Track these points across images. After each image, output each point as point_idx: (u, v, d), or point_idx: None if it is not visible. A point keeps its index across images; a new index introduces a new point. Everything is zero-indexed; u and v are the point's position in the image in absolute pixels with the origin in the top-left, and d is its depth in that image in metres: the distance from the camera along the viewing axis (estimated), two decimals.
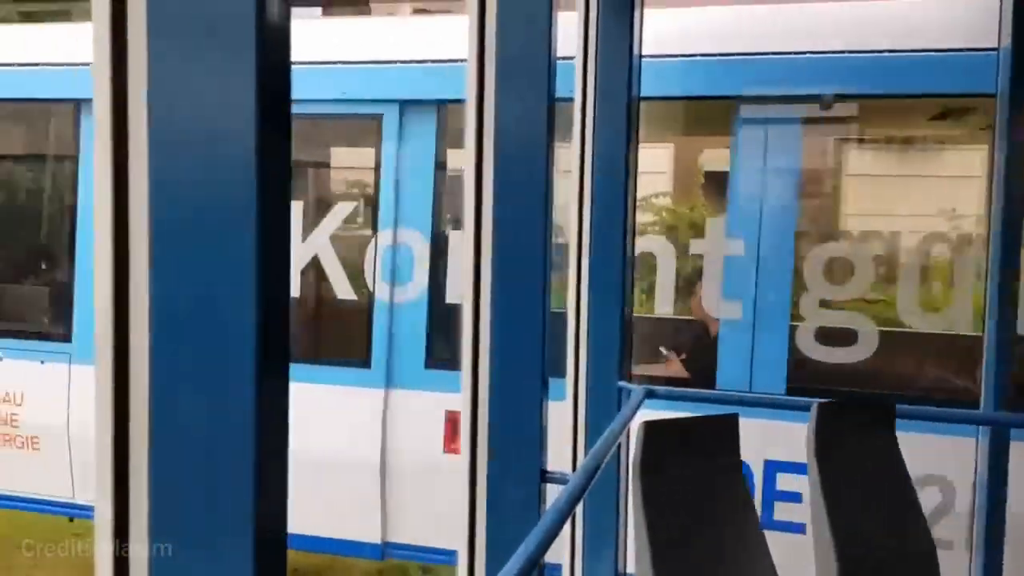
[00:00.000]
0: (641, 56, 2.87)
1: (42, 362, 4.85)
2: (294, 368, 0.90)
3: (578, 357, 2.57)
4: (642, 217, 4.32)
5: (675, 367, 4.19)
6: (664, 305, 4.09)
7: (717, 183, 4.33)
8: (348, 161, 5.03)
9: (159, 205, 0.83)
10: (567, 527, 1.66)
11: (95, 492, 0.85)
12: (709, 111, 4.30)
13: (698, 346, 4.14)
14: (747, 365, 3.79)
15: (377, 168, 4.30)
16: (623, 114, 2.72)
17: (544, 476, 1.78)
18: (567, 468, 2.38)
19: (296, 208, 4.21)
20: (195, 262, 0.84)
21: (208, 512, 0.86)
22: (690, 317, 4.25)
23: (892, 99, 3.79)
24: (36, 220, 5.01)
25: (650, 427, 1.65)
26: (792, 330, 3.78)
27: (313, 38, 4.28)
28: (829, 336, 3.74)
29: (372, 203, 4.36)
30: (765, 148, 3.85)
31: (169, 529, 0.85)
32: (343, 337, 4.58)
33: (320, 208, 4.49)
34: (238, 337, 0.84)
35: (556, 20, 1.87)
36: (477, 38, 1.72)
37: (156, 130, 0.83)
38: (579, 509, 2.23)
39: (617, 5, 2.72)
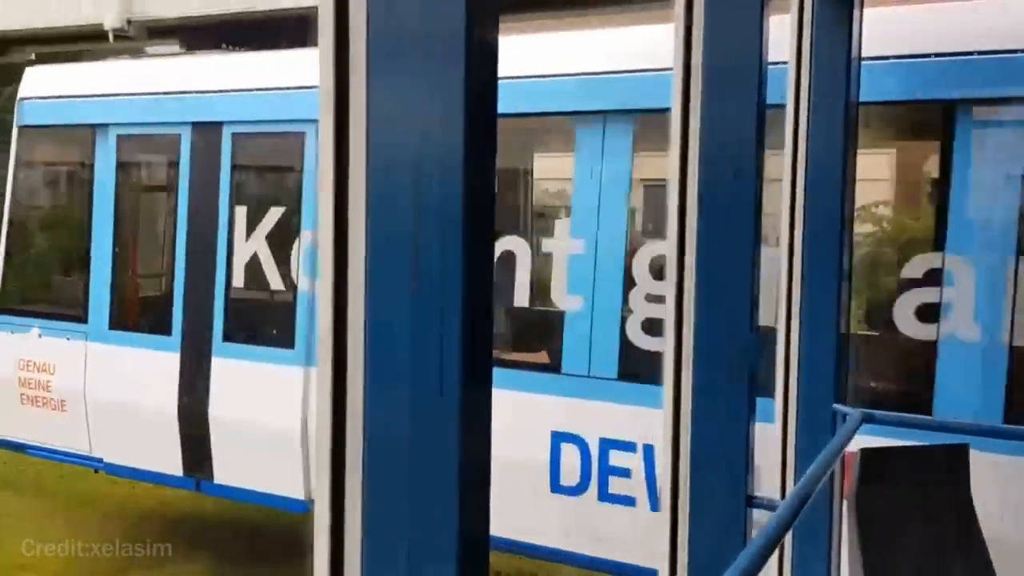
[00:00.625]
0: (860, 58, 2.71)
1: (68, 339, 5.79)
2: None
3: (788, 376, 2.42)
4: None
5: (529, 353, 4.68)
6: (522, 299, 4.56)
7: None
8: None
9: (376, 215, 0.87)
10: (774, 556, 1.57)
11: (316, 493, 0.90)
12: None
13: (547, 333, 4.58)
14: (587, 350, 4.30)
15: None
16: (840, 120, 2.56)
17: (750, 501, 1.69)
18: (774, 494, 2.26)
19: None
20: (406, 270, 0.87)
21: (415, 514, 0.89)
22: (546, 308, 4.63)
23: None
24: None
25: (870, 455, 1.53)
26: (623, 320, 4.24)
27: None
28: (652, 326, 4.15)
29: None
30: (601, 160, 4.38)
31: (380, 529, 0.88)
32: (273, 326, 5.31)
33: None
34: (445, 343, 0.86)
35: (767, 24, 1.79)
36: (683, 45, 1.67)
37: (375, 143, 0.86)
38: (787, 538, 2.11)
39: (834, 5, 2.57)
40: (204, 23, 6.31)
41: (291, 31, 5.96)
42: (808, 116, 2.49)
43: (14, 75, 6.43)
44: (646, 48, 4.18)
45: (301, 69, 4.83)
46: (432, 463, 0.91)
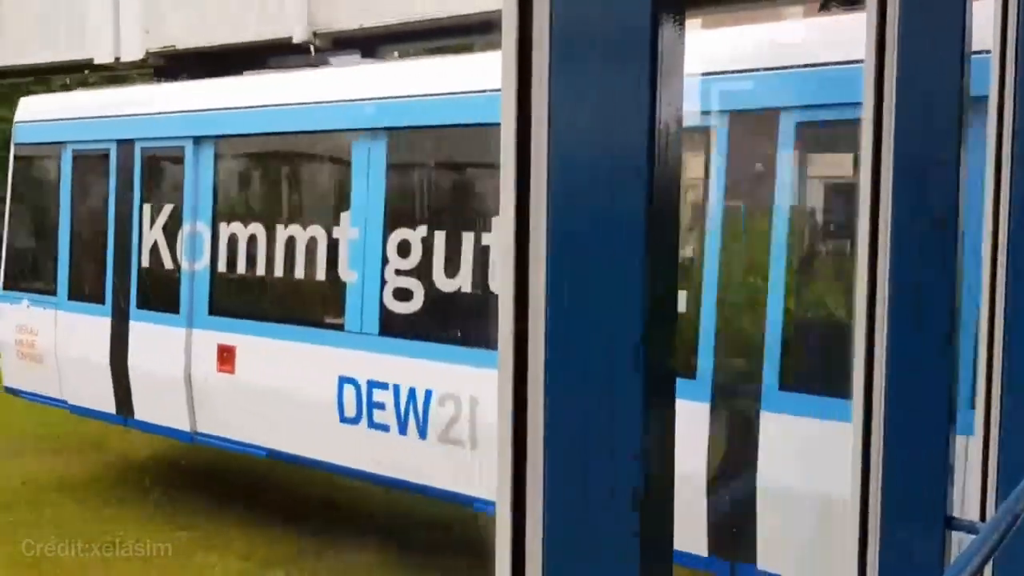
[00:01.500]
0: None
1: (48, 310, 7.44)
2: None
3: (990, 385, 2.23)
4: None
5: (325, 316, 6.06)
6: (320, 274, 5.92)
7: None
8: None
9: (558, 219, 0.87)
10: None
11: (496, 496, 0.91)
12: None
13: (336, 299, 5.90)
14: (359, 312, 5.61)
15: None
16: None
17: (950, 523, 1.57)
18: (974, 515, 2.09)
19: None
20: (588, 275, 0.87)
21: (596, 521, 0.88)
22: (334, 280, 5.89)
23: None
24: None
25: None
26: (381, 290, 5.51)
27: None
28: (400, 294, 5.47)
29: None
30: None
31: (561, 535, 0.89)
32: (167, 297, 6.67)
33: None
34: (626, 349, 0.85)
35: (970, 9, 1.66)
36: (876, 37, 1.58)
37: (556, 146, 0.87)
38: (988, 568, 1.95)
39: None
40: (386, 32, 6.60)
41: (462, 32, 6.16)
42: (1015, 107, 2.28)
43: None
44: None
45: (198, 97, 6.86)
46: (614, 470, 0.90)
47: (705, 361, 4.35)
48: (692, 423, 4.29)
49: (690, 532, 4.37)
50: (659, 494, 0.88)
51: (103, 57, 7.65)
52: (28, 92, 17.08)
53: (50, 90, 17.17)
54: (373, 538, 6.41)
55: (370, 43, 7.29)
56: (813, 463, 3.94)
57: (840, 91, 3.83)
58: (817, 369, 4.19)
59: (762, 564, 4.19)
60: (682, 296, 4.38)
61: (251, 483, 7.60)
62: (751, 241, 4.47)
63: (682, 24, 0.87)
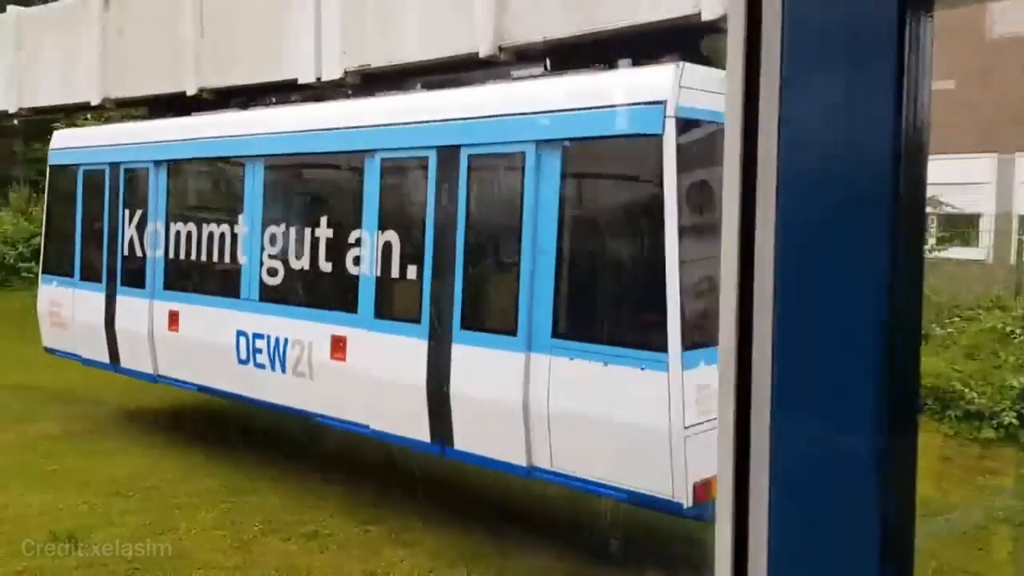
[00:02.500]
0: None
1: (68, 288, 10.02)
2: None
3: None
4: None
5: (227, 286, 8.34)
6: (227, 258, 8.28)
7: None
8: None
9: (787, 230, 0.83)
10: None
11: (718, 512, 0.88)
12: None
13: (236, 276, 8.17)
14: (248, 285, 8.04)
15: None
16: None
17: None
18: None
19: None
20: (822, 289, 0.82)
21: (825, 555, 0.84)
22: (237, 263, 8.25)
23: None
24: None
25: None
26: (261, 269, 7.90)
27: None
28: (272, 272, 7.86)
29: None
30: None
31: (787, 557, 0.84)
32: (139, 277, 9.19)
33: None
34: (866, 367, 0.80)
35: None
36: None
37: (786, 151, 0.83)
38: None
39: None
40: (569, 43, 6.63)
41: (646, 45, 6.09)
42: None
43: None
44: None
45: (159, 132, 9.43)
46: (848, 505, 0.84)
47: (424, 313, 6.41)
48: (417, 354, 6.37)
49: (419, 427, 6.40)
50: (899, 542, 0.82)
51: (306, 77, 8.15)
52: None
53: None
54: (551, 541, 6.47)
55: (553, 54, 7.37)
56: (481, 378, 6.03)
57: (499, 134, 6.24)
58: (482, 318, 6.21)
59: (456, 446, 6.23)
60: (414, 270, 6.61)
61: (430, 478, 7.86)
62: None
63: (931, 21, 0.81)
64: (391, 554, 6.39)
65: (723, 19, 5.57)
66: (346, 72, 7.97)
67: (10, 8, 11.85)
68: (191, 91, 9.27)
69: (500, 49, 6.95)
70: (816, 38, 0.83)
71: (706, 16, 5.70)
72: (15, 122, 12.60)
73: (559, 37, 6.61)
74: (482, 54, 7.01)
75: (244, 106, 8.92)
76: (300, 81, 8.27)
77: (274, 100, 8.83)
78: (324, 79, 8.11)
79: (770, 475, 0.84)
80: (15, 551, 6.19)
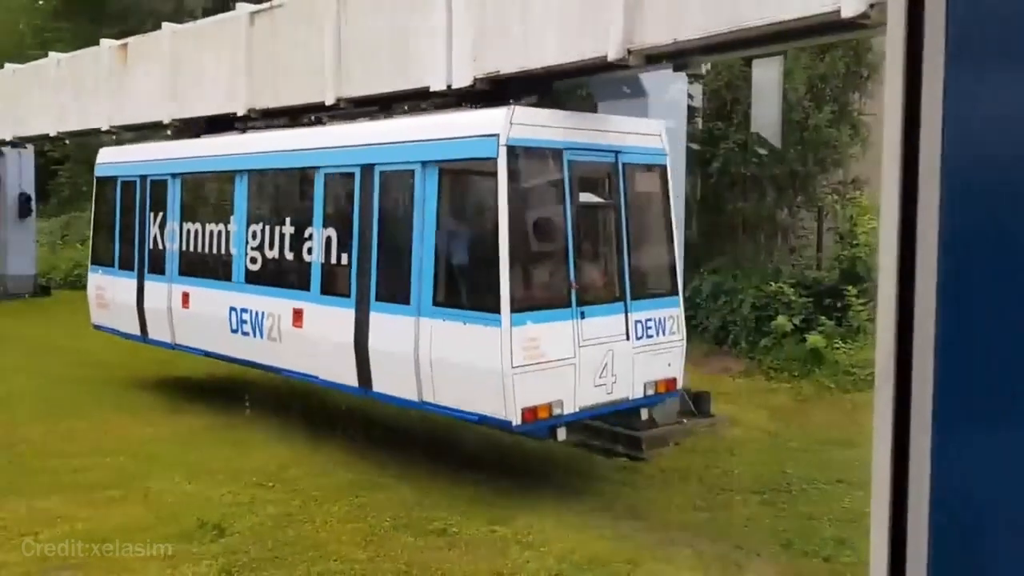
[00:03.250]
0: None
1: (110, 276, 12.38)
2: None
3: None
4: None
5: (220, 271, 10.75)
6: (224, 249, 10.51)
7: None
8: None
9: (951, 233, 0.80)
10: None
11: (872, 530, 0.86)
12: None
13: (229, 263, 10.51)
14: (237, 270, 10.28)
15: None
16: None
17: None
18: None
19: None
20: (989, 290, 0.79)
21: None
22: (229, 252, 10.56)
23: None
24: None
25: None
26: (245, 257, 10.12)
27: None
28: (254, 261, 10.09)
29: None
30: None
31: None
32: (156, 264, 11.65)
33: None
34: None
35: None
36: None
37: (952, 149, 0.80)
38: None
39: None
40: (700, 44, 6.54)
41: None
42: None
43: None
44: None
45: (174, 150, 11.95)
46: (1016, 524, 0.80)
47: (353, 290, 8.47)
48: (348, 320, 8.39)
49: (349, 374, 8.39)
50: None
51: (437, 85, 8.34)
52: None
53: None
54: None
55: (683, 56, 7.28)
56: (388, 337, 8.00)
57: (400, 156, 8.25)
58: (389, 292, 8.08)
59: (374, 388, 8.26)
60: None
61: None
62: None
63: None
64: (517, 555, 6.46)
65: (862, 16, 5.45)
66: (476, 79, 8.11)
67: (164, 25, 12.66)
68: (329, 101, 9.66)
69: (629, 52, 6.93)
70: (981, 34, 0.80)
71: (846, 13, 5.53)
72: (168, 132, 13.42)
73: (692, 39, 6.52)
74: (611, 58, 7.00)
75: (358, 117, 9.86)
76: (431, 89, 8.47)
77: (406, 108, 9.31)
78: (455, 86, 8.28)
79: (931, 493, 0.81)
80: (168, 535, 6.60)
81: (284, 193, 10.56)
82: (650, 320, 8.21)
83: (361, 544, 6.55)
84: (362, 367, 8.30)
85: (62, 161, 36.22)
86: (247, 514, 7.06)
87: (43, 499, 7.39)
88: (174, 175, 11.43)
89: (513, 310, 7.07)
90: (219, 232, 10.58)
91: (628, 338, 7.94)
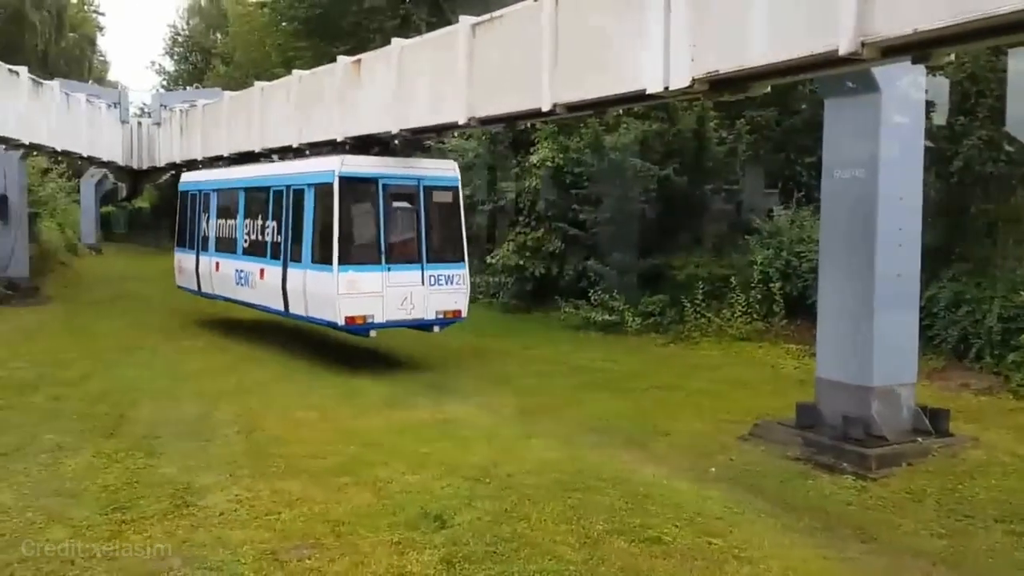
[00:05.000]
0: None
1: (182, 253, 20.19)
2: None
3: None
4: None
5: (235, 245, 17.98)
6: (237, 234, 17.53)
7: None
8: None
9: None
10: None
11: None
12: None
13: (236, 241, 18.18)
14: (242, 246, 17.62)
15: None
16: None
17: None
18: None
19: None
20: None
21: None
22: (234, 235, 17.94)
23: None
24: None
25: None
26: (243, 240, 17.40)
27: None
28: (248, 242, 17.40)
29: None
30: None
31: None
32: (203, 244, 19.39)
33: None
34: None
35: None
36: None
37: None
38: None
39: None
40: (943, 35, 6.04)
41: None
42: None
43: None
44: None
45: (223, 173, 19.34)
46: None
47: (281, 255, 14.93)
48: (278, 273, 14.91)
49: (279, 304, 14.96)
50: None
51: (655, 87, 8.25)
52: (583, 126, 19.20)
53: (604, 123, 19.13)
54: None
55: (924, 48, 6.74)
56: (295, 281, 14.42)
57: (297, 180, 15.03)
58: (296, 256, 14.42)
59: (289, 310, 14.71)
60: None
61: None
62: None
63: None
64: (735, 570, 6.27)
65: None
66: (694, 79, 7.94)
67: (394, 40, 13.42)
68: (546, 107, 9.82)
69: (863, 45, 6.51)
70: None
71: None
72: (395, 142, 14.20)
73: (935, 27, 6.01)
74: (842, 51, 6.60)
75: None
76: (648, 91, 8.39)
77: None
78: (672, 88, 8.15)
79: None
80: (394, 522, 6.98)
81: (256, 200, 16.56)
82: (440, 275, 13.97)
83: (575, 545, 6.60)
84: (284, 298, 14.74)
85: None
86: (465, 508, 7.31)
87: (283, 482, 8.02)
88: (212, 190, 18.77)
89: (340, 264, 13.17)
90: (231, 224, 17.39)
91: (423, 284, 13.74)
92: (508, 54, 10.62)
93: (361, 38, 30.61)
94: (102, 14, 78.68)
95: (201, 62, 63.23)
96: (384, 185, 13.66)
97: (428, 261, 13.88)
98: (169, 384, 12.94)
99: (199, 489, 7.76)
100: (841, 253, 9.89)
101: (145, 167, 26.45)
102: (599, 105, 10.08)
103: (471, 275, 17.47)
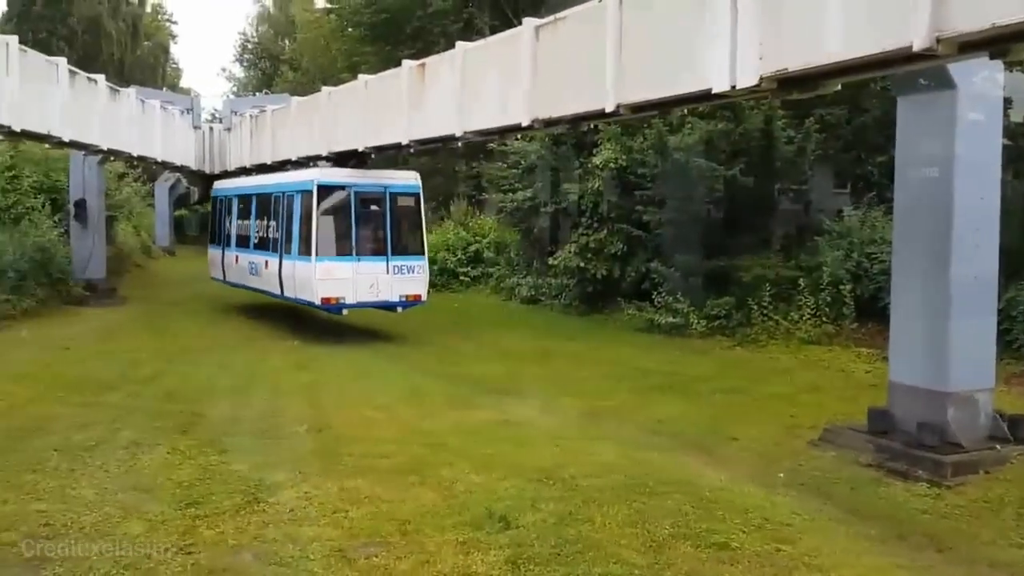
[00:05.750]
0: None
1: (213, 249, 24.57)
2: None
3: None
4: None
5: (250, 241, 22.51)
6: (252, 233, 21.91)
7: None
8: None
9: None
10: None
11: None
12: None
13: (248, 238, 22.91)
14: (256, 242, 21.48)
15: None
16: None
17: None
18: None
19: None
20: None
21: None
22: (248, 233, 22.67)
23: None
24: None
25: None
26: (256, 237, 21.57)
27: None
28: (258, 238, 21.94)
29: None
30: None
31: None
32: (226, 241, 24.31)
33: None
34: None
35: None
36: None
37: None
38: None
39: None
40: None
41: None
42: None
43: None
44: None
45: (242, 182, 23.68)
46: None
47: (278, 249, 18.69)
48: (275, 262, 18.76)
49: (276, 289, 18.85)
50: None
51: (720, 86, 8.15)
52: (647, 127, 19.06)
53: (668, 123, 18.98)
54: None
55: (1003, 43, 6.52)
56: (288, 270, 18.05)
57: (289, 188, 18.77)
58: (288, 249, 18.06)
59: (284, 294, 18.75)
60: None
61: None
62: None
63: None
64: None
65: None
66: (762, 78, 7.81)
67: (458, 44, 13.52)
68: (610, 108, 9.77)
69: (938, 41, 6.33)
70: None
71: None
72: (459, 144, 14.30)
73: (1012, 22, 5.82)
74: (916, 48, 6.43)
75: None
76: (714, 91, 8.29)
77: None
78: (739, 87, 8.04)
79: None
80: (459, 522, 7.03)
81: (262, 204, 20.25)
82: (403, 265, 17.13)
83: (640, 549, 6.55)
84: (280, 284, 18.24)
85: None
86: (530, 509, 7.32)
87: (350, 480, 8.14)
88: (234, 196, 22.79)
89: (317, 256, 16.48)
90: (246, 224, 21.22)
91: (388, 272, 16.94)
92: (571, 55, 10.60)
93: (426, 42, 30.93)
94: (175, 23, 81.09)
95: (269, 68, 64.67)
96: (356, 192, 16.95)
97: (392, 254, 17.11)
98: (241, 383, 13.26)
99: (270, 486, 7.93)
100: (915, 254, 9.63)
101: (216, 171, 27.13)
102: (664, 105, 9.99)
103: (533, 277, 23.10)
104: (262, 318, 20.96)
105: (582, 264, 20.97)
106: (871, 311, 15.88)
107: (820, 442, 9.91)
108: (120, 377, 13.48)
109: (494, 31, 19.12)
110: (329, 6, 43.82)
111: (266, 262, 19.19)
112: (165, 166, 28.84)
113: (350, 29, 39.22)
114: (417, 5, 33.47)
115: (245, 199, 21.65)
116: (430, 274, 19.10)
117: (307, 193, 17.01)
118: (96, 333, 18.28)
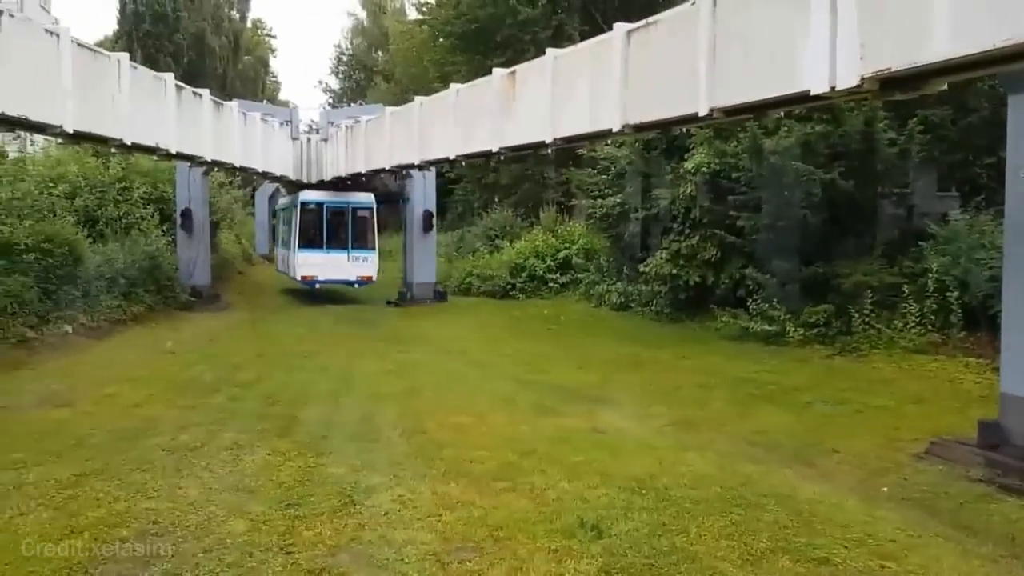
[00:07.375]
0: None
1: (279, 249, 34.17)
2: None
3: None
4: None
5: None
6: (285, 237, 33.70)
7: None
8: None
9: None
10: None
11: None
12: None
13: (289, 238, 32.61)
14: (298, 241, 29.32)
15: None
16: None
17: None
18: None
19: None
20: None
21: None
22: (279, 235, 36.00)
23: None
24: None
25: None
26: (287, 237, 33.21)
27: None
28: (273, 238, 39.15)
29: None
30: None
31: None
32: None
33: None
34: None
35: None
36: None
37: None
38: None
39: None
40: None
41: None
42: None
43: None
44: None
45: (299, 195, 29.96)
46: None
47: (292, 244, 28.24)
48: (292, 254, 28.38)
49: (286, 269, 30.43)
50: None
51: (819, 88, 7.92)
52: (741, 130, 18.69)
53: (763, 126, 18.59)
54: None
55: None
56: (302, 259, 27.49)
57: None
58: (302, 243, 27.50)
59: (289, 274, 29.43)
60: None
61: None
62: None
63: None
64: None
65: None
66: (863, 79, 7.57)
67: (548, 51, 13.54)
68: (703, 112, 9.62)
69: None
70: None
71: None
72: (549, 151, 14.31)
73: None
74: None
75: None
76: (812, 92, 8.07)
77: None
78: (839, 88, 7.81)
79: None
80: (551, 529, 7.01)
81: (283, 215, 30.70)
82: (359, 256, 27.10)
83: (737, 562, 6.41)
84: (295, 271, 27.28)
85: (457, 181, 40.39)
86: (622, 518, 7.25)
87: (443, 485, 8.22)
88: (280, 209, 32.24)
89: (299, 248, 26.91)
90: (285, 228, 29.80)
91: (348, 260, 26.88)
92: (663, 59, 10.48)
93: (516, 50, 31.09)
94: (274, 36, 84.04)
95: (363, 79, 66.17)
96: (327, 207, 27.04)
97: (352, 248, 27.09)
98: (338, 387, 13.57)
99: (365, 489, 8.07)
100: None
101: (313, 180, 27.99)
102: (758, 108, 9.76)
103: (623, 283, 24.42)
104: (358, 326, 21.43)
105: (674, 271, 20.68)
106: (980, 319, 15.15)
107: (926, 455, 9.51)
108: (223, 380, 13.97)
109: (584, 36, 19.11)
110: (421, 17, 44.58)
111: (284, 254, 30.38)
112: (266, 176, 29.87)
113: (441, 39, 39.79)
114: (507, 14, 33.72)
115: (279, 212, 33.24)
116: (518, 280, 28.54)
117: (296, 207, 27.15)
118: (202, 337, 19.02)
